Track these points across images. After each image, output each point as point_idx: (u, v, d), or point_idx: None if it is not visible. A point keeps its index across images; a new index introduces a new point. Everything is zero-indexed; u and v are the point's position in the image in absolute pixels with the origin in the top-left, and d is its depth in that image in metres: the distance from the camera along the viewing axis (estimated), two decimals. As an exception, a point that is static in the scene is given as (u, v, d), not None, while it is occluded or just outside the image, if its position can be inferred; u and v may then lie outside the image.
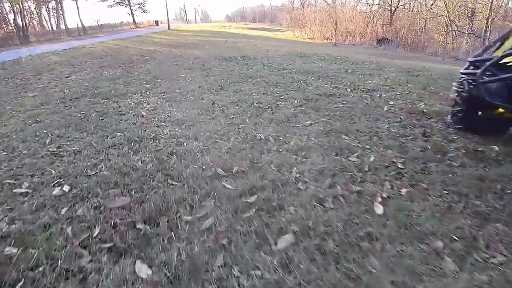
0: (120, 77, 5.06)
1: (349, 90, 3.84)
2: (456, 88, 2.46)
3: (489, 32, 18.32)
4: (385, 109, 3.03)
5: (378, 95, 3.59)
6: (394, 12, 25.11)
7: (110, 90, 4.00)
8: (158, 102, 3.27)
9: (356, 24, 22.82)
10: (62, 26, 25.14)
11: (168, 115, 2.85)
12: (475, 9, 19.44)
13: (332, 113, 2.87)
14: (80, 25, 23.74)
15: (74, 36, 18.92)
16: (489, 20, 18.07)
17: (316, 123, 2.61)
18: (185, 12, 79.65)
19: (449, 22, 20.01)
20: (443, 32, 20.27)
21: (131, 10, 33.71)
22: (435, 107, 3.14)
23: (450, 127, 2.55)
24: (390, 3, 25.45)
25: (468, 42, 19.16)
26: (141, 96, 3.61)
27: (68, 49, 10.42)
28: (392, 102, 3.30)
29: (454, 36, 19.85)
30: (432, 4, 20.89)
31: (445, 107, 3.06)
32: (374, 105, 3.14)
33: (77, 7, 29.13)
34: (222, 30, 25.89)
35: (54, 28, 24.64)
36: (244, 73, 4.95)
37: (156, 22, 35.77)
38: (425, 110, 2.98)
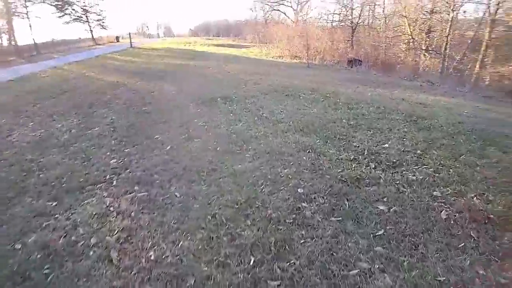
0: (76, 137, 4.00)
1: (373, 166, 3.12)
2: None
3: (448, 49, 19.21)
4: (444, 215, 2.31)
5: (414, 178, 2.90)
6: (355, 29, 25.74)
7: (60, 176, 2.95)
8: (133, 220, 2.26)
9: (322, 42, 22.91)
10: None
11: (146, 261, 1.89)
12: (431, 26, 20.31)
13: (380, 232, 2.09)
14: (33, 43, 21.43)
15: (25, 58, 16.91)
16: (449, 37, 18.91)
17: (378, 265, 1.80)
18: (147, 27, 77.53)
19: (411, 40, 20.73)
20: (406, 51, 20.97)
21: (90, 26, 31.56)
22: (499, 202, 2.49)
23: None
24: (351, 19, 25.94)
25: (426, 59, 19.94)
26: (104, 194, 2.60)
27: (14, 81, 8.92)
28: (438, 194, 2.61)
29: (416, 54, 20.56)
30: (396, 28, 21.43)
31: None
32: (424, 206, 2.42)
33: (30, 25, 26.42)
34: (189, 48, 24.88)
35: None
36: (235, 131, 4.09)
37: (117, 38, 33.80)
38: (492, 216, 2.30)
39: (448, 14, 18.75)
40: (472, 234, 2.10)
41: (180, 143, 3.69)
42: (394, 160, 3.27)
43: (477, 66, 17.63)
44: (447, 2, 18.47)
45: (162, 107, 5.49)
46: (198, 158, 3.23)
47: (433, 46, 20.71)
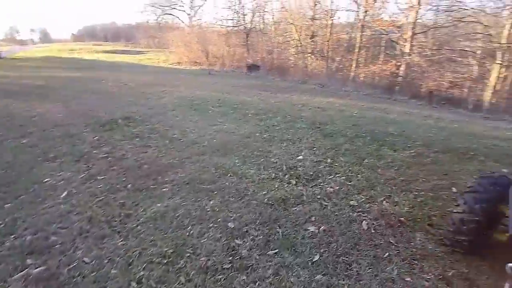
0: None
1: (294, 182, 3.19)
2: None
3: (330, 51, 21.86)
4: (365, 226, 2.49)
5: (331, 189, 3.07)
6: (249, 34, 26.92)
7: None
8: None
9: (220, 48, 23.20)
10: None
11: None
12: (314, 32, 22.77)
13: (317, 258, 2.11)
14: None
15: None
16: (329, 41, 21.50)
17: None
18: (17, 32, 65.75)
19: (299, 44, 22.79)
20: (295, 55, 22.96)
21: None
22: (404, 203, 2.82)
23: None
24: (243, 24, 26.98)
25: (313, 62, 22.29)
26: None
27: None
28: (355, 203, 2.82)
29: (304, 57, 22.72)
30: (286, 34, 23.12)
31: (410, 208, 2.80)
32: (347, 219, 2.57)
33: None
34: (74, 57, 21.95)
35: None
36: (145, 160, 3.66)
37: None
38: (402, 218, 2.60)
39: (327, 21, 21.25)
40: (391, 241, 2.31)
41: (79, 185, 3.09)
42: (311, 173, 3.42)
43: (354, 66, 20.53)
44: (325, 10, 20.91)
45: (48, 136, 4.58)
46: (105, 203, 2.75)
47: (317, 50, 23.18)
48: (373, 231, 2.42)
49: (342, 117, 6.15)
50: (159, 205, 2.71)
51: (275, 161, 3.74)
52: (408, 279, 1.96)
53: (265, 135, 4.70)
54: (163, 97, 7.43)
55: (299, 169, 3.52)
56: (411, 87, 16.31)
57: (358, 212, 2.69)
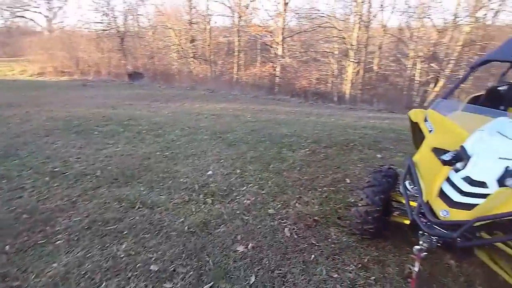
0: None
1: (210, 201, 3.09)
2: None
3: (212, 55, 22.29)
4: (287, 232, 2.60)
5: (248, 201, 3.10)
6: (123, 38, 24.99)
7: None
8: None
9: (91, 54, 20.82)
10: None
11: None
12: (193, 36, 22.81)
13: (253, 280, 2.10)
14: None
15: None
16: (211, 45, 21.91)
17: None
18: None
19: (180, 49, 22.42)
20: (178, 60, 22.49)
21: None
22: (313, 202, 3.07)
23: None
24: (116, 27, 24.92)
25: (197, 67, 22.35)
26: None
27: None
28: (272, 211, 2.93)
29: (187, 62, 22.49)
30: (166, 38, 22.30)
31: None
32: (270, 230, 2.64)
33: None
34: None
35: None
36: (23, 208, 2.92)
37: None
38: (316, 217, 2.82)
39: (205, 25, 21.52)
40: (313, 242, 2.48)
41: None
42: (224, 188, 3.39)
43: (235, 69, 21.46)
44: (202, 15, 21.11)
45: None
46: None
47: (199, 54, 23.27)
48: (296, 236, 2.56)
49: (239, 123, 6.32)
50: (55, 264, 2.21)
51: (185, 181, 3.55)
52: (335, 275, 2.14)
53: (167, 153, 4.42)
54: (30, 120, 6.13)
55: (212, 185, 3.44)
56: (289, 86, 18.12)
57: (278, 219, 2.80)
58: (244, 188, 3.40)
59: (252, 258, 2.30)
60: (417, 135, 2.78)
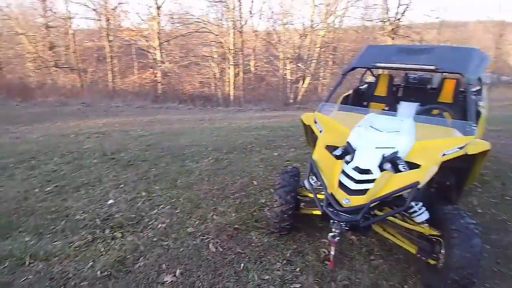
0: None
1: (119, 235, 2.80)
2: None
3: (80, 62, 19.72)
4: (212, 248, 2.59)
5: (163, 225, 2.94)
6: None
7: None
8: None
9: None
10: None
11: None
12: (52, 42, 19.71)
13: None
14: None
15: None
16: (77, 52, 19.34)
17: None
18: None
19: (38, 57, 18.98)
20: (36, 70, 18.99)
21: None
22: (228, 211, 3.12)
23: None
24: None
25: (62, 77, 19.46)
26: None
27: None
28: (191, 229, 2.86)
29: (49, 73, 19.27)
30: (17, 46, 18.42)
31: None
32: (194, 249, 2.57)
33: None
34: None
35: None
36: None
37: None
38: (236, 225, 2.89)
39: (66, 29, 18.81)
40: (239, 251, 2.55)
41: None
42: (133, 216, 3.12)
43: (110, 76, 19.57)
44: (61, 18, 18.34)
45: None
46: None
47: (63, 62, 20.22)
48: (221, 250, 2.58)
49: (131, 139, 5.84)
50: None
51: (82, 217, 3.09)
52: (267, 277, 2.27)
53: (49, 188, 3.74)
54: None
55: (117, 216, 3.11)
56: (174, 93, 17.66)
57: (199, 237, 2.76)
58: (155, 211, 3.21)
59: (183, 285, 2.21)
60: (310, 136, 3.18)
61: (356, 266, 2.40)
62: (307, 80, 20.65)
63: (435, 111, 3.17)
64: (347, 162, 2.28)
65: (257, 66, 21.97)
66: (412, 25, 24.84)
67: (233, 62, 18.96)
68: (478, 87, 3.71)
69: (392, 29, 22.18)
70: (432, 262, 2.14)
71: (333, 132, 2.66)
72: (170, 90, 17.91)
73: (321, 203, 2.20)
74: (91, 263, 2.43)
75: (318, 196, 2.30)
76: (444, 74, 3.53)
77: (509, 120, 7.96)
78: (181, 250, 2.58)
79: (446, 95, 3.54)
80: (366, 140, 2.39)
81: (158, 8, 17.58)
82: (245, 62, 21.12)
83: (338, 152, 2.37)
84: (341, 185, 2.17)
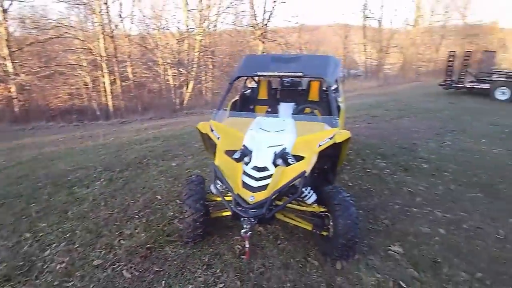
0: None
1: (6, 288, 2.37)
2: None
3: None
4: (127, 274, 2.47)
5: (65, 266, 2.62)
6: None
7: None
8: None
9: None
10: None
11: None
12: None
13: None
14: None
15: None
16: None
17: None
18: None
19: None
20: None
21: None
22: (137, 231, 2.99)
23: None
24: None
25: None
26: None
27: None
28: (99, 262, 2.66)
29: None
30: None
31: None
32: (107, 281, 2.41)
33: None
34: None
35: None
36: None
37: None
38: (148, 245, 2.81)
39: None
40: (157, 269, 2.53)
41: None
42: (21, 263, 2.68)
43: None
44: None
45: None
46: None
47: None
48: (137, 273, 2.51)
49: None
50: None
51: None
52: (190, 286, 2.35)
53: None
54: None
55: (0, 268, 2.62)
56: (39, 109, 15.02)
57: (109, 267, 2.60)
58: (48, 252, 2.83)
59: (102, 320, 2.08)
60: (208, 142, 3.36)
61: (267, 253, 2.72)
62: (191, 84, 20.71)
63: (308, 110, 3.81)
64: (246, 163, 2.56)
65: (135, 72, 20.74)
66: (277, 30, 27.77)
67: (107, 70, 17.37)
68: (335, 86, 4.58)
69: (261, 33, 24.34)
70: (325, 233, 2.63)
71: (230, 138, 2.91)
72: (33, 107, 15.15)
73: (230, 205, 2.42)
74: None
75: (226, 198, 2.51)
76: (310, 77, 4.24)
77: (360, 108, 9.94)
78: (91, 286, 2.39)
79: (313, 95, 4.28)
80: (259, 141, 2.72)
81: (4, 11, 14.54)
82: (121, 69, 19.65)
83: (237, 155, 2.63)
84: (245, 185, 2.44)
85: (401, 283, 2.39)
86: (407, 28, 31.33)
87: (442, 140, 6.14)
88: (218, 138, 2.94)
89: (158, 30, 20.21)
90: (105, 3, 16.67)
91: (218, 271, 2.50)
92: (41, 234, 3.09)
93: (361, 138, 6.15)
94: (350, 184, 4.12)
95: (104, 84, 17.46)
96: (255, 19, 24.91)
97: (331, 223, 2.55)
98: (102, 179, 4.37)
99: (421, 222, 3.26)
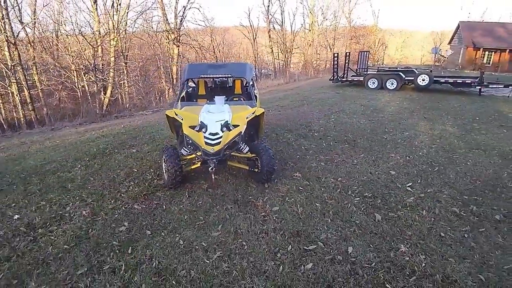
0: None
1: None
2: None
3: None
4: None
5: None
6: None
7: None
8: None
9: None
10: None
11: None
12: None
13: None
14: None
15: None
16: None
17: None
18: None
19: None
20: None
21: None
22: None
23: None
24: None
25: None
26: None
27: None
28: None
29: None
30: None
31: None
32: None
33: None
34: None
35: None
36: None
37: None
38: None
39: None
40: (156, 202, 4.01)
41: None
42: None
43: None
44: None
45: None
46: None
47: None
48: (144, 206, 3.94)
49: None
50: None
51: None
52: (181, 206, 3.92)
53: None
54: None
55: (42, 220, 3.72)
56: None
57: (122, 207, 3.96)
58: (68, 208, 3.97)
59: (135, 225, 3.52)
60: (172, 124, 4.87)
61: (229, 182, 4.47)
62: (109, 89, 20.66)
63: (236, 99, 5.63)
64: (205, 132, 4.22)
65: (49, 79, 19.71)
66: (190, 33, 29.02)
67: (14, 79, 16.37)
68: (251, 83, 6.50)
69: (175, 37, 25.38)
70: (256, 170, 4.46)
71: (189, 118, 4.49)
72: None
73: (200, 155, 4.05)
74: None
75: (197, 153, 4.14)
76: (235, 78, 6.03)
77: (272, 101, 12.24)
78: (115, 216, 3.75)
79: (238, 89, 6.15)
80: (209, 119, 4.41)
81: None
82: (28, 77, 18.51)
83: (197, 128, 4.26)
84: (207, 143, 4.09)
85: (300, 187, 4.39)
86: (305, 31, 35.98)
87: (329, 118, 8.67)
88: (182, 119, 4.50)
89: (69, 35, 19.56)
90: (6, 9, 15.67)
91: (196, 197, 4.13)
92: (54, 201, 4.18)
93: (274, 121, 8.27)
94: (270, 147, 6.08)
95: (13, 94, 16.37)
96: (167, 23, 25.79)
97: (258, 163, 4.40)
98: (79, 166, 5.42)
99: (311, 161, 5.39)
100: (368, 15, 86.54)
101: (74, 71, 19.80)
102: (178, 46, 26.24)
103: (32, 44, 19.33)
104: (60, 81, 20.18)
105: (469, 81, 12.87)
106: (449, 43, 35.05)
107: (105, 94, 20.98)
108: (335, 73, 15.61)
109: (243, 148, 4.46)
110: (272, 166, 4.31)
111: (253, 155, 4.47)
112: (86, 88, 20.19)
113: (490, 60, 30.00)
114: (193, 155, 4.31)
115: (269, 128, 7.52)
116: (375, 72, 15.06)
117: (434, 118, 8.74)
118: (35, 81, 19.38)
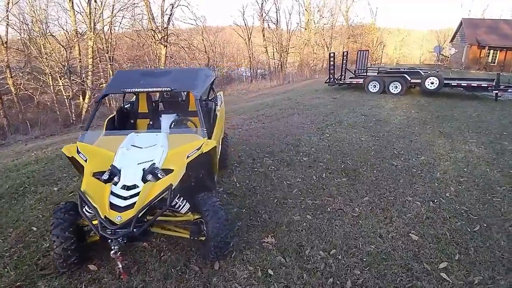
0: None
1: None
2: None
3: None
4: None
5: None
6: None
7: None
8: None
9: None
10: None
11: None
12: None
13: None
14: None
15: None
16: None
17: None
18: None
19: None
20: None
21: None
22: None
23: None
24: None
25: None
26: None
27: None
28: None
29: None
30: None
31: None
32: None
33: None
34: None
35: None
36: None
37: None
38: (19, 283, 2.59)
39: None
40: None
41: None
42: None
43: None
44: None
45: None
46: None
47: None
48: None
49: None
50: None
51: None
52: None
53: None
54: None
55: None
56: None
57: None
58: None
59: None
60: (77, 166, 3.23)
61: (149, 267, 2.81)
62: (88, 94, 19.00)
63: (188, 122, 3.98)
64: (115, 184, 2.58)
65: (19, 84, 18.03)
66: (181, 33, 27.40)
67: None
68: (213, 95, 4.83)
69: (162, 37, 23.72)
70: (202, 238, 2.83)
71: (98, 158, 2.86)
72: None
73: (97, 228, 2.40)
74: None
75: (94, 222, 2.48)
76: (178, 91, 4.22)
77: (258, 108, 10.60)
78: None
79: (192, 105, 4.46)
80: (129, 158, 2.77)
81: None
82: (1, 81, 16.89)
83: (105, 176, 2.62)
84: (112, 206, 2.45)
85: (269, 271, 2.76)
86: (301, 30, 34.38)
87: (322, 133, 7.05)
88: (86, 160, 2.87)
89: (44, 35, 17.88)
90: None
91: (98, 294, 2.49)
92: None
93: (254, 139, 6.63)
94: (238, 184, 4.46)
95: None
96: (154, 22, 24.15)
97: (204, 228, 2.77)
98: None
99: (294, 211, 3.76)
100: (366, 13, 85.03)
101: (49, 75, 18.12)
102: (166, 46, 24.60)
103: (4, 45, 17.73)
104: (36, 86, 18.50)
105: (485, 85, 11.23)
106: (451, 41, 33.52)
107: (83, 99, 19.33)
108: (331, 75, 13.95)
109: (180, 205, 2.83)
110: (223, 238, 2.70)
111: (197, 216, 2.86)
112: (63, 92, 18.52)
113: (495, 59, 28.44)
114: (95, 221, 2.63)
115: (246, 149, 5.89)
116: (376, 74, 13.42)
117: (452, 133, 7.11)
118: (8, 85, 17.74)
